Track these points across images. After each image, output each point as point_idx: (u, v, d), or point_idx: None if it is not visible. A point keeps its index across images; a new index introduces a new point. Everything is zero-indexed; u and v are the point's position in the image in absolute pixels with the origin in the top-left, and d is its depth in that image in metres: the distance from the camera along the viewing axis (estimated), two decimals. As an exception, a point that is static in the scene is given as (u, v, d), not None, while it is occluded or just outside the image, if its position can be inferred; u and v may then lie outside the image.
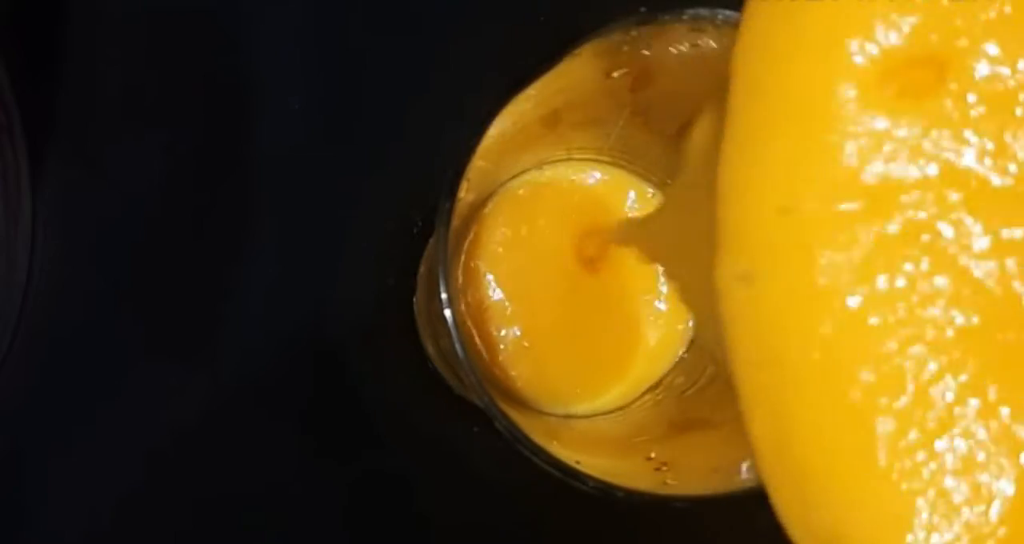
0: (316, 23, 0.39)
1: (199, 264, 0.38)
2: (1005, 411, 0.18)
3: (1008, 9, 0.19)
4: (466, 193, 0.32)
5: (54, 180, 0.37)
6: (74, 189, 0.38)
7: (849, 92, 0.19)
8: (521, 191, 0.36)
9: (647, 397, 0.37)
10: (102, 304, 0.38)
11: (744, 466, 0.30)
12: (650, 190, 0.37)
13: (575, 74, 0.30)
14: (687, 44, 0.30)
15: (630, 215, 0.37)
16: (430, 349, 0.38)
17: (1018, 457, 0.18)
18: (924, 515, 0.18)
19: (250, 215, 0.38)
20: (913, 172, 0.19)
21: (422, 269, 0.37)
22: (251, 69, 0.38)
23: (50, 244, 0.37)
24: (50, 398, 0.38)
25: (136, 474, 0.38)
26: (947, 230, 0.19)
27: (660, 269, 0.35)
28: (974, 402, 0.18)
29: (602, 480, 0.29)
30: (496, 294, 0.35)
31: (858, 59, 0.19)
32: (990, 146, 0.19)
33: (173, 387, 0.38)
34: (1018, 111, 0.19)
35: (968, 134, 0.19)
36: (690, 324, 0.37)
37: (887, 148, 0.19)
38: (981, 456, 0.18)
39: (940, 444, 0.18)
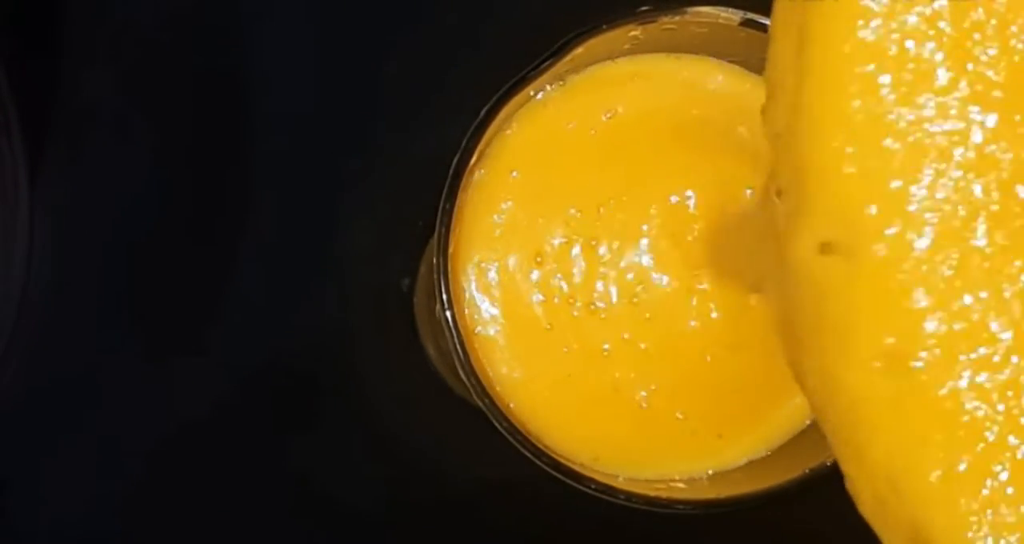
0: (317, 23, 0.39)
1: (198, 264, 0.38)
2: None
3: None
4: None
5: (53, 180, 0.37)
6: (73, 189, 0.38)
7: None
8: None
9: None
10: (102, 304, 0.38)
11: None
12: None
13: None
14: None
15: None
16: (430, 350, 0.37)
17: None
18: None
19: (250, 215, 0.38)
20: None
21: (422, 269, 0.37)
22: (251, 69, 0.38)
23: (49, 245, 0.37)
24: (49, 398, 0.38)
25: (136, 474, 0.38)
26: None
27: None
28: None
29: (604, 483, 0.29)
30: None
31: None
32: None
33: (172, 387, 0.38)
34: None
35: None
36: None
37: None
38: None
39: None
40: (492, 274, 0.32)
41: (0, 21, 0.37)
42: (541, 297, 0.31)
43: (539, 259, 0.31)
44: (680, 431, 0.31)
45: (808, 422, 0.31)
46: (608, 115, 0.31)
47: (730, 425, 0.31)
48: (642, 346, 0.31)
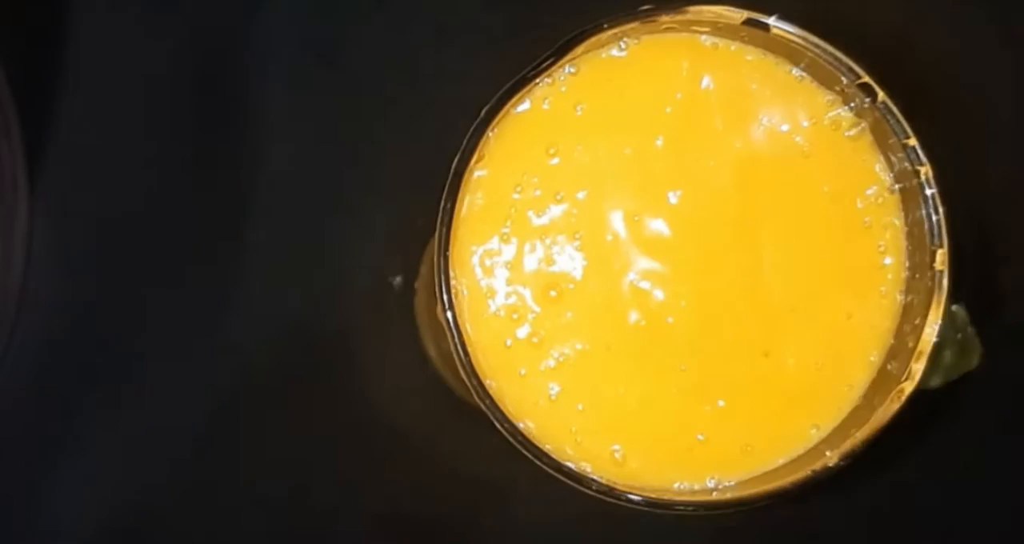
0: (317, 23, 0.39)
1: (198, 266, 0.38)
2: None
3: None
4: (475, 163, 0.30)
5: (52, 182, 0.37)
6: (73, 190, 0.38)
7: None
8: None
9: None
10: (101, 305, 0.38)
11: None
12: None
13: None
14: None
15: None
16: (431, 350, 0.37)
17: None
18: None
19: (249, 216, 0.38)
20: None
21: (422, 270, 0.37)
22: (251, 71, 0.38)
23: (48, 245, 0.37)
24: (50, 397, 0.38)
25: (136, 475, 0.38)
26: None
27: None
28: None
29: (604, 484, 0.29)
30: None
31: None
32: None
33: (172, 388, 0.38)
34: None
35: None
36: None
37: None
38: None
39: None
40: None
41: (1, 22, 0.37)
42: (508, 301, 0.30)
43: (544, 245, 0.30)
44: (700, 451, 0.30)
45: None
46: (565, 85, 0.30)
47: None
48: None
